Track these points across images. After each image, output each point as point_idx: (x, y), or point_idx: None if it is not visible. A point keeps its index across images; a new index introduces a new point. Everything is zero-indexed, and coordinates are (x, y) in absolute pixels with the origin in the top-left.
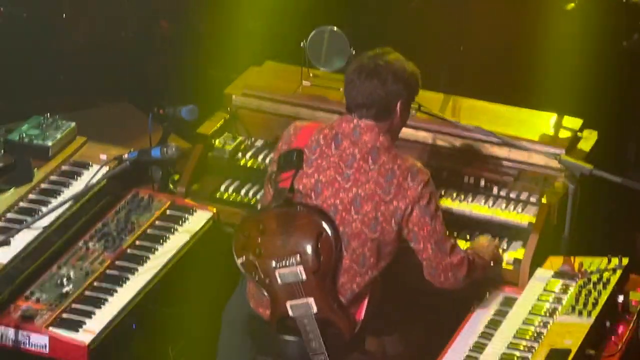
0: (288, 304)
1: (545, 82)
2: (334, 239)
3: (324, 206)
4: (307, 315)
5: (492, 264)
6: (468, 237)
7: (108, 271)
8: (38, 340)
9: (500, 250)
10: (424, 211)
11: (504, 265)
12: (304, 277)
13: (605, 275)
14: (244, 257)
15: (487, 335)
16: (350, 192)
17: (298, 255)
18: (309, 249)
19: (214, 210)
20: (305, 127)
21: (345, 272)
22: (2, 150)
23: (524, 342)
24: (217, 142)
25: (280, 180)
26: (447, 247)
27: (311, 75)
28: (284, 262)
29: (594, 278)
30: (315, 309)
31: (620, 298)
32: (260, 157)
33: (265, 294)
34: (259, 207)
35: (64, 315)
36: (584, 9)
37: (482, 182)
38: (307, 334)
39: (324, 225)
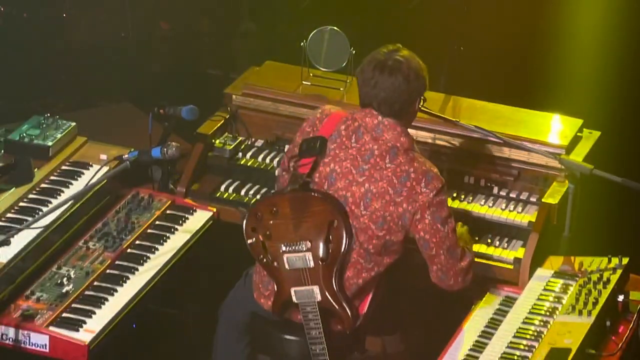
0: (292, 289)
1: (546, 82)
2: (345, 229)
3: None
4: (310, 303)
5: None
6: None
7: (108, 271)
8: (38, 340)
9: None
10: (436, 218)
11: (504, 265)
12: (312, 264)
13: (606, 274)
14: (254, 238)
15: (487, 335)
16: (362, 187)
17: (308, 242)
18: (319, 236)
19: (214, 210)
20: (333, 115)
21: (351, 266)
22: (2, 150)
23: (524, 342)
24: (217, 142)
25: (300, 166)
26: (458, 252)
27: (311, 75)
28: (293, 247)
29: (594, 278)
30: (319, 297)
31: (621, 298)
32: (261, 157)
33: (271, 280)
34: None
35: (64, 315)
36: (584, 9)
37: (482, 182)
38: (308, 321)
39: (338, 214)
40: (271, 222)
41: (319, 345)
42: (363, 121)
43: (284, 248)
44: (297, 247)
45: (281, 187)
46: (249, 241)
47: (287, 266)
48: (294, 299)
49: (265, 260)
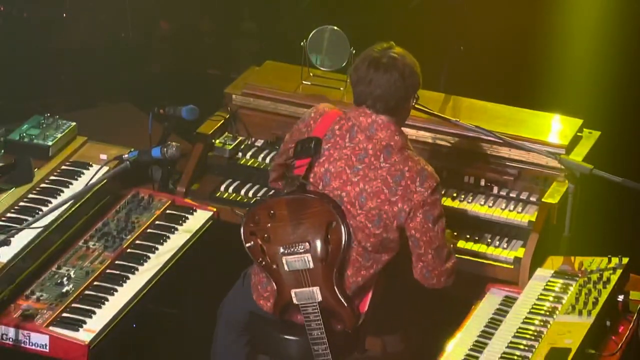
0: (293, 291)
1: (546, 82)
2: (344, 229)
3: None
4: (311, 304)
5: None
6: (468, 236)
7: (108, 270)
8: (38, 340)
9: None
10: (427, 217)
11: (504, 264)
12: (311, 265)
13: (606, 274)
14: (252, 241)
15: (487, 334)
16: (357, 187)
17: (307, 243)
18: (318, 237)
19: (214, 210)
20: (327, 115)
21: (350, 265)
22: (2, 150)
23: (524, 342)
24: (217, 142)
25: (295, 167)
26: (445, 253)
27: (311, 75)
28: (292, 248)
29: (594, 277)
30: (319, 298)
31: (621, 297)
32: (261, 157)
33: (272, 282)
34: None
35: (65, 315)
36: (584, 8)
37: (482, 182)
38: (310, 322)
39: (335, 215)
40: (269, 225)
41: (321, 346)
42: (357, 120)
43: (282, 250)
44: (296, 249)
45: (273, 179)
46: (248, 245)
47: (286, 268)
48: (294, 300)
49: (264, 263)
